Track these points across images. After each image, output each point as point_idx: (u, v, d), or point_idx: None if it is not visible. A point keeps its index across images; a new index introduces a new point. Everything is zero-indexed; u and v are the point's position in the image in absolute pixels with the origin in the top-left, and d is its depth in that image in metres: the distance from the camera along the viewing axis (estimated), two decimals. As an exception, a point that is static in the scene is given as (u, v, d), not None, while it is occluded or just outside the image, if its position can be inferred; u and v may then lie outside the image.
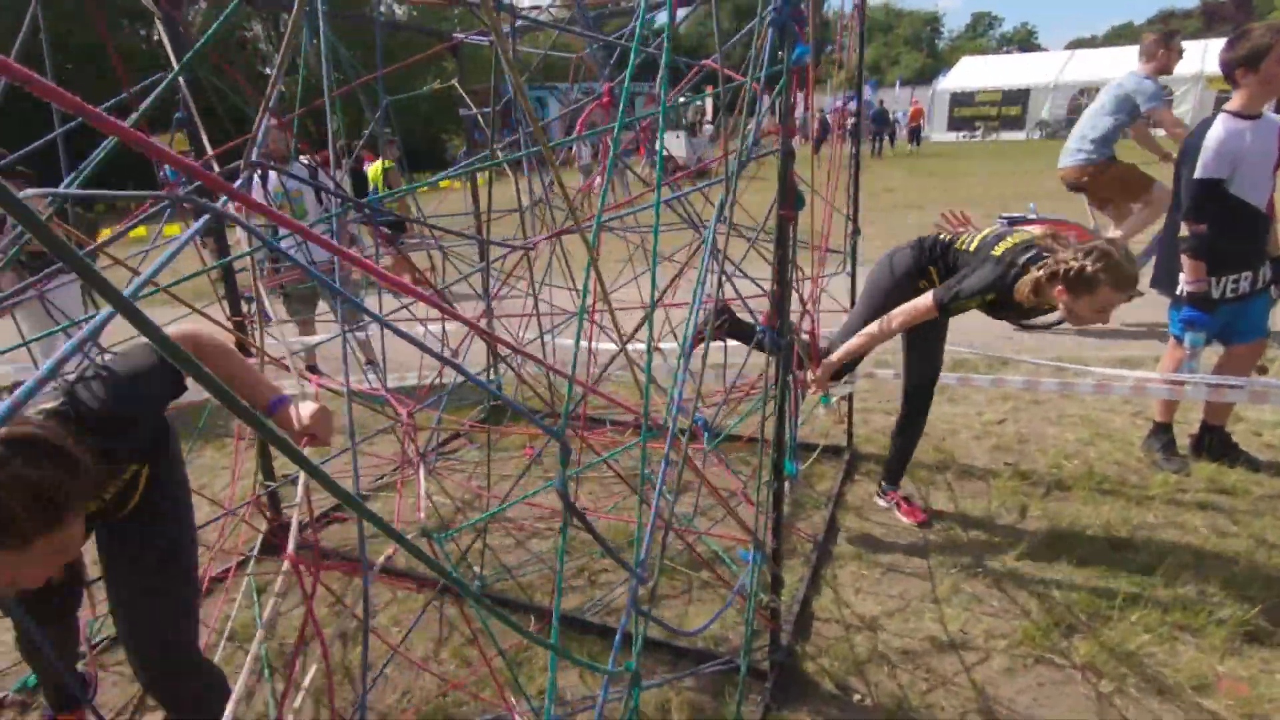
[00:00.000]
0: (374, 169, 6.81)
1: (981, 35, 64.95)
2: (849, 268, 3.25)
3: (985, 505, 2.95)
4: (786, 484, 2.09)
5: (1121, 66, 5.64)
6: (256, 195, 3.94)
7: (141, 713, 2.03)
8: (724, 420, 3.14)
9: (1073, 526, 2.75)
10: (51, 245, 0.38)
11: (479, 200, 4.16)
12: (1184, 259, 2.86)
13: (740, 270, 2.17)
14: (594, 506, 3.06)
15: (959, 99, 28.98)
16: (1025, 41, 63.98)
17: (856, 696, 2.00)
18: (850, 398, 3.46)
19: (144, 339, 1.23)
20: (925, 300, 2.34)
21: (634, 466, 3.18)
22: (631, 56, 1.11)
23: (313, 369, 4.41)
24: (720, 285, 1.71)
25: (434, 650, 2.26)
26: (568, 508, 1.01)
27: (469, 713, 2.00)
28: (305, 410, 1.53)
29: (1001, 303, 2.30)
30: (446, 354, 3.12)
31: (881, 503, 2.99)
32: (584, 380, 1.40)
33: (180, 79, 2.26)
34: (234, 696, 1.05)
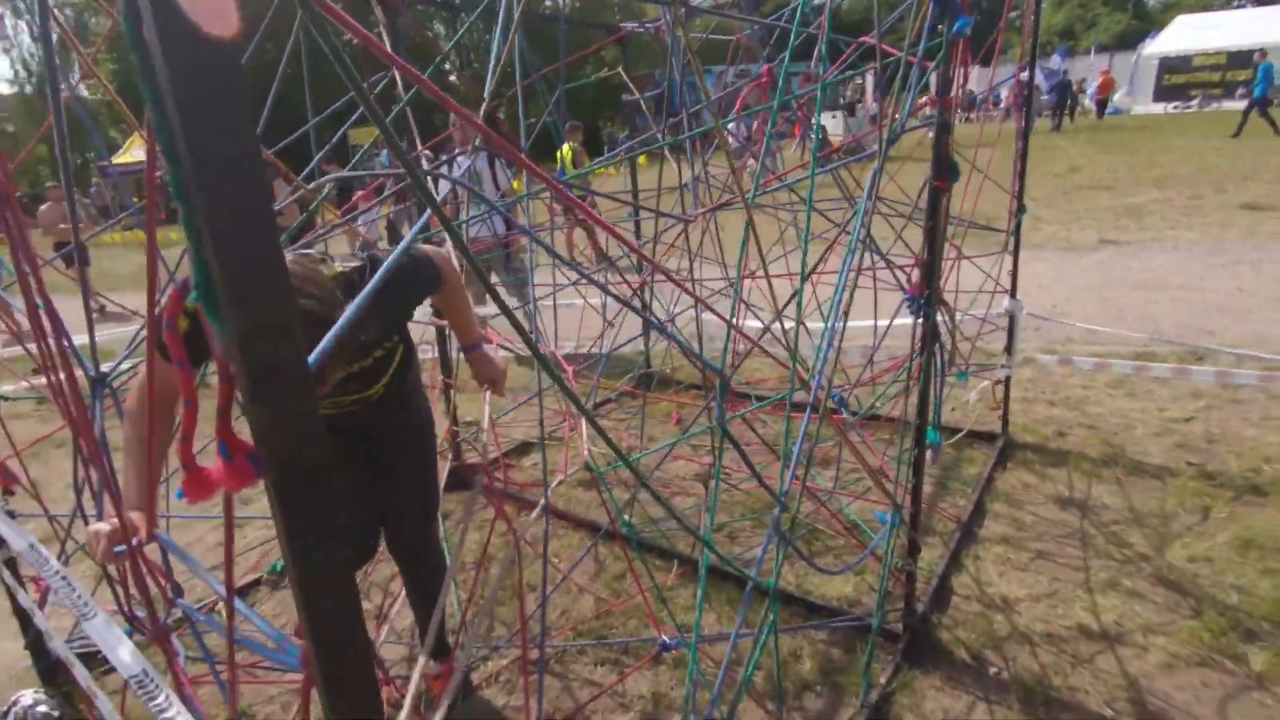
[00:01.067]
0: (564, 150, 7.52)
1: (1205, -12, 55.59)
2: (1011, 247, 3.11)
3: (1159, 503, 2.75)
4: (929, 455, 2.12)
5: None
6: (448, 180, 4.45)
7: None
8: (869, 399, 3.16)
9: (1266, 533, 2.49)
10: (429, 201, 0.60)
11: (636, 182, 4.41)
12: None
13: (875, 248, 2.21)
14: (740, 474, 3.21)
15: (1170, 64, 25.27)
16: (1265, -8, 53.86)
17: (993, 670, 2.01)
18: (1006, 383, 3.32)
19: (418, 250, 1.55)
20: None
21: (777, 439, 3.30)
22: (791, 37, 1.23)
23: (485, 336, 4.92)
24: (862, 256, 1.79)
25: (589, 581, 2.54)
26: (723, 434, 1.17)
27: (618, 634, 2.25)
28: (495, 362, 1.84)
29: None
30: (604, 326, 3.40)
31: None
32: (733, 354, 1.55)
33: (397, 75, 2.67)
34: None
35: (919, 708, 1.90)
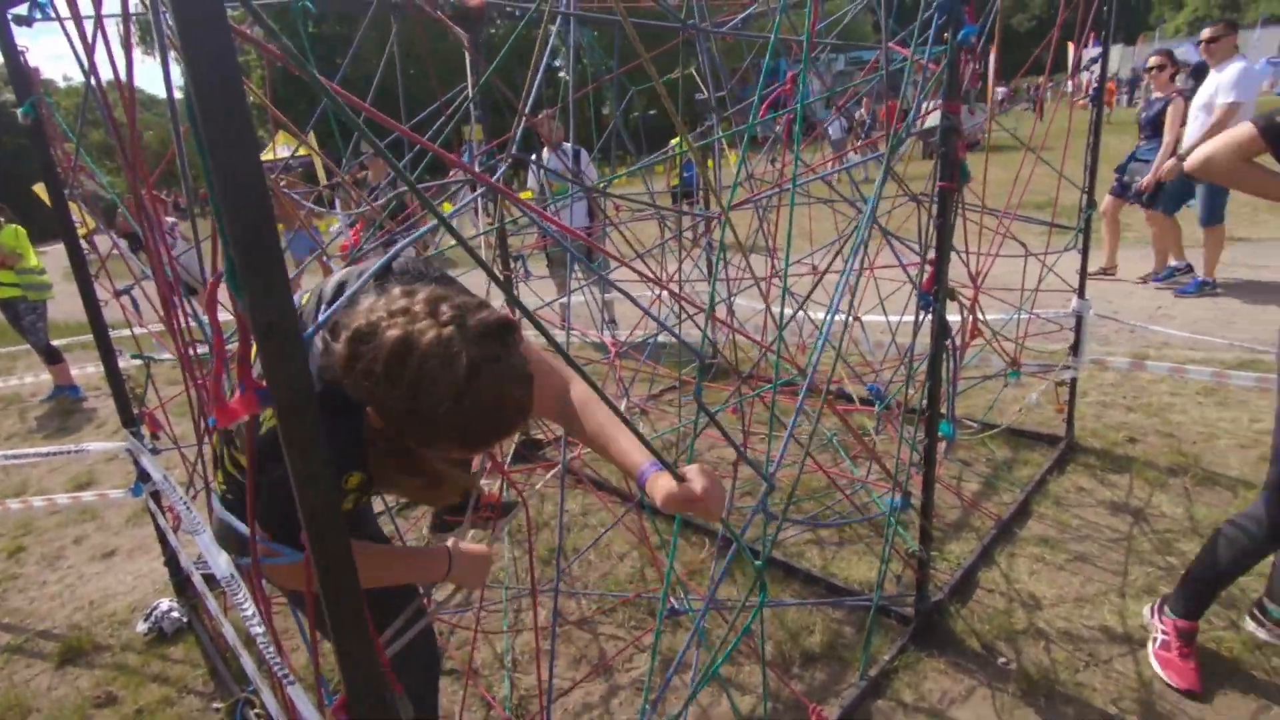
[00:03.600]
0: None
1: None
2: (1079, 244, 3.02)
3: (1223, 515, 2.61)
4: (942, 448, 2.17)
5: None
6: (531, 178, 4.77)
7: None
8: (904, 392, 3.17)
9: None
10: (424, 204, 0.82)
11: (719, 178, 4.54)
12: None
13: (900, 238, 2.26)
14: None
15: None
16: None
17: (1001, 660, 2.05)
18: (1072, 384, 3.22)
19: None
20: (1244, 127, 1.64)
21: (815, 429, 3.38)
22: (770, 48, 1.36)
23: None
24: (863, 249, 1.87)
25: (628, 549, 2.75)
26: (700, 407, 1.34)
27: (648, 597, 2.45)
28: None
29: None
30: (652, 315, 3.57)
31: (1149, 618, 2.11)
32: (761, 342, 1.71)
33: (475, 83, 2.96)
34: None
35: (918, 686, 1.98)
